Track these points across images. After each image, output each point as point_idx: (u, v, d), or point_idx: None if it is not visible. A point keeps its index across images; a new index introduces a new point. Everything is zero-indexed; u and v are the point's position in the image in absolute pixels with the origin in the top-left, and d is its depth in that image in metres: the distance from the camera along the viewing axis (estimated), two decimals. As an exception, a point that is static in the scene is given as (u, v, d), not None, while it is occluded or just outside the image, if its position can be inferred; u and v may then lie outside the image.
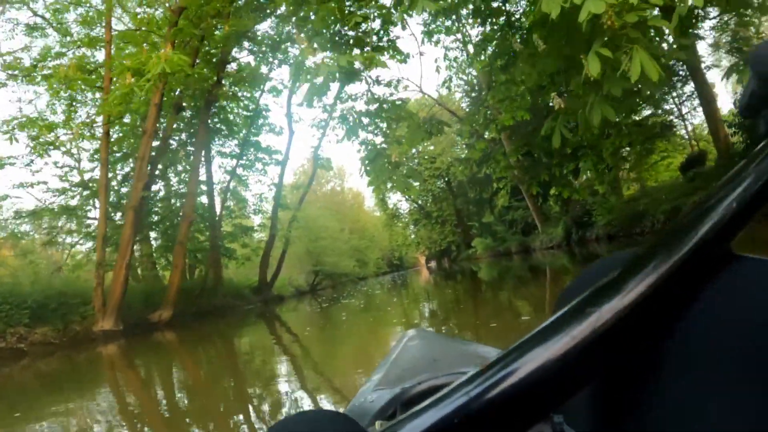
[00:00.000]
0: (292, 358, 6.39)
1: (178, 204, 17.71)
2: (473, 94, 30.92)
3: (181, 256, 13.78)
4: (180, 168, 18.72)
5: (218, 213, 21.02)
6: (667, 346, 0.33)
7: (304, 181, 54.39)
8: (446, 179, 44.84)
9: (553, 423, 0.44)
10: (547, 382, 0.26)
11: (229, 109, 18.16)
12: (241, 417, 3.69)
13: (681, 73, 18.82)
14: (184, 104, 14.26)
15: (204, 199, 19.00)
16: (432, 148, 45.40)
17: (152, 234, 19.23)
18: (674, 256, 0.30)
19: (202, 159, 19.51)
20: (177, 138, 16.96)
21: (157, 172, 15.18)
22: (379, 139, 11.24)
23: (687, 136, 22.66)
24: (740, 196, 0.32)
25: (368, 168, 10.58)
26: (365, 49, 8.95)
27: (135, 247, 17.20)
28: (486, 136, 13.62)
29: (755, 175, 0.32)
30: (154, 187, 17.95)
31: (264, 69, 16.78)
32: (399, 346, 1.21)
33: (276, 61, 16.91)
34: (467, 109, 32.16)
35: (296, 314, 14.40)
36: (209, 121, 17.55)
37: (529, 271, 15.20)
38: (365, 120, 10.98)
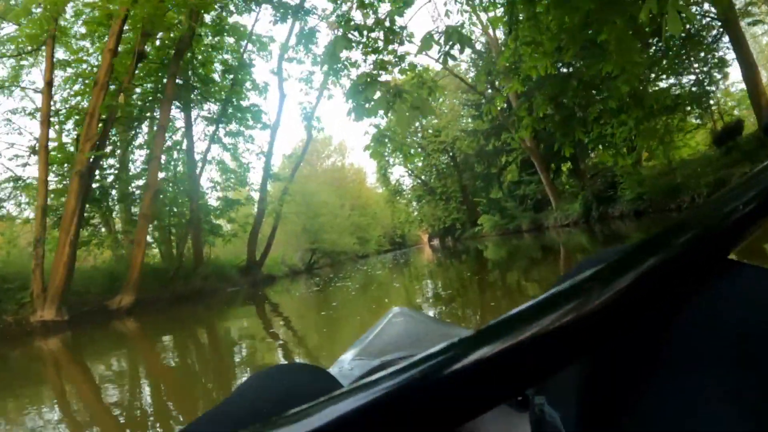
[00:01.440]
0: (270, 352, 5.20)
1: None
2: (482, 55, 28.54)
3: (144, 231, 11.77)
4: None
5: (202, 185, 19.06)
6: (654, 342, 0.33)
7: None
8: (451, 154, 42.72)
9: (534, 404, 0.44)
10: (518, 359, 0.26)
11: (204, 63, 15.96)
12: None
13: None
14: (147, 50, 12.10)
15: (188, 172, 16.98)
16: (436, 121, 43.35)
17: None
18: (669, 255, 0.30)
19: (174, 121, 17.47)
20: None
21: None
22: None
23: (708, 110, 20.41)
24: (748, 204, 0.31)
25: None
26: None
27: (99, 222, 15.34)
28: (503, 93, 11.49)
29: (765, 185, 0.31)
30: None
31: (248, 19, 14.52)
32: (383, 321, 1.25)
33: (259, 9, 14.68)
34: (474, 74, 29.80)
35: (285, 297, 12.53)
36: (189, 78, 15.46)
37: (542, 251, 13.75)
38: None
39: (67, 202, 9.98)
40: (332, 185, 46.35)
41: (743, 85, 19.34)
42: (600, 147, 8.61)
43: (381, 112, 11.45)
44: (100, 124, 10.21)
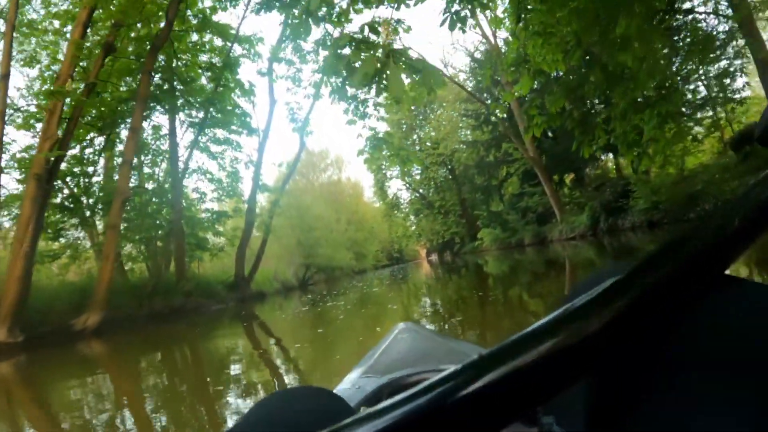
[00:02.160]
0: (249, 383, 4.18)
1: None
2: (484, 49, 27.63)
3: (113, 244, 10.61)
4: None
5: (189, 196, 17.95)
6: (656, 361, 0.33)
7: (299, 166, 51.82)
8: (450, 166, 41.76)
9: (542, 424, 0.45)
10: (525, 381, 0.27)
11: (187, 64, 14.91)
12: None
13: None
14: (116, 44, 11.02)
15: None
16: (434, 134, 42.45)
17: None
18: (669, 272, 0.30)
19: (161, 128, 16.47)
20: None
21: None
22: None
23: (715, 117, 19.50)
24: (744, 219, 0.31)
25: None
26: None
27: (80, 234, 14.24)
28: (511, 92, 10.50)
29: (762, 200, 0.31)
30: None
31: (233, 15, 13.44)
32: (389, 337, 1.25)
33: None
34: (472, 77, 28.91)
35: (271, 317, 11.42)
36: (171, 79, 14.43)
37: (546, 266, 12.91)
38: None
39: (22, 208, 8.86)
40: (328, 199, 45.23)
41: (748, 92, 18.57)
42: (624, 147, 7.61)
43: (373, 115, 10.28)
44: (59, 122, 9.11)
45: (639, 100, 7.99)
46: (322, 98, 12.90)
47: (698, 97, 17.37)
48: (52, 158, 9.14)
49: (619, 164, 25.27)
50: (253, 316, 11.95)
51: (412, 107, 45.06)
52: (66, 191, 13.16)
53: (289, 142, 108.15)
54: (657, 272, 0.30)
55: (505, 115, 27.01)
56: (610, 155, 25.22)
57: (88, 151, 14.34)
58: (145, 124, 17.52)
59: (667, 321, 0.31)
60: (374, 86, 3.84)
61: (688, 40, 13.59)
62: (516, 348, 0.27)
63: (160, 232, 14.96)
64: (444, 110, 42.49)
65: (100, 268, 10.52)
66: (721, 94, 17.62)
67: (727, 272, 0.33)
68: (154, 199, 15.36)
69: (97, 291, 10.23)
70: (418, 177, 46.52)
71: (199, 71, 15.07)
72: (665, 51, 9.73)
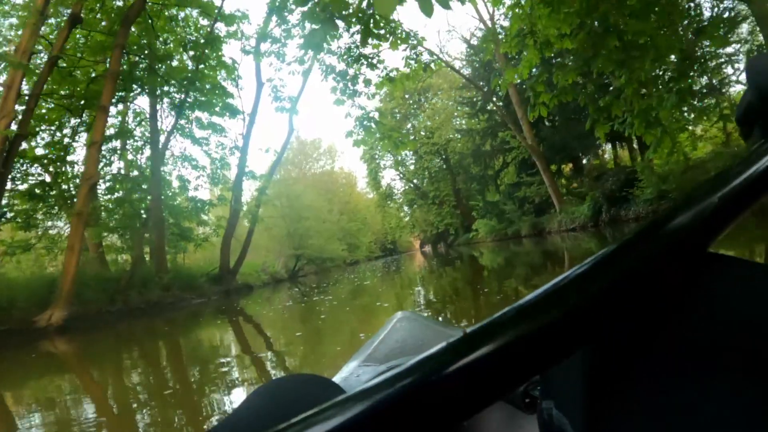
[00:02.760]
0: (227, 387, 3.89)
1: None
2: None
3: (78, 233, 9.71)
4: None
5: (172, 184, 17.04)
6: (650, 345, 0.33)
7: (291, 156, 50.76)
8: (444, 156, 40.91)
9: (542, 409, 0.45)
10: (512, 355, 0.27)
11: (166, 42, 13.89)
12: None
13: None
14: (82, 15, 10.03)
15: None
16: (429, 123, 41.55)
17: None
18: (651, 249, 0.31)
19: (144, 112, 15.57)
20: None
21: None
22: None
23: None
24: (725, 196, 0.31)
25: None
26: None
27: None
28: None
29: (744, 177, 0.32)
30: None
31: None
32: (388, 326, 1.24)
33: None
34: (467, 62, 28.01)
35: (254, 312, 10.68)
36: (150, 56, 13.43)
37: (543, 257, 12.57)
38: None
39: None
40: (321, 188, 44.35)
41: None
42: (642, 127, 6.81)
43: (364, 92, 9.41)
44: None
45: (658, 72, 7.23)
46: (311, 74, 11.95)
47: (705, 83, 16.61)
48: (10, 138, 8.22)
49: (617, 154, 24.55)
50: (233, 312, 11.17)
51: (406, 95, 44.29)
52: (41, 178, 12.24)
53: (278, 127, 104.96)
54: (641, 248, 0.30)
55: (501, 103, 26.24)
56: (608, 146, 24.58)
57: (64, 132, 13.40)
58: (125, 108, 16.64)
59: (654, 299, 0.31)
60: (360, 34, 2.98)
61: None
62: (502, 323, 0.28)
63: (140, 222, 14.01)
64: (439, 99, 41.60)
65: (66, 258, 9.61)
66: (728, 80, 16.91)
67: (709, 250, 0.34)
68: (135, 187, 14.39)
69: (62, 284, 9.36)
70: (412, 167, 45.69)
71: (180, 49, 14.06)
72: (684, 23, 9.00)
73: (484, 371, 0.27)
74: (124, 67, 12.13)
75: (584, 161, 25.30)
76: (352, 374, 0.92)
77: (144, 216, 14.34)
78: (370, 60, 8.56)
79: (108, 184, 14.51)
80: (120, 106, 15.47)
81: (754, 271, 0.33)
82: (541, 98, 7.89)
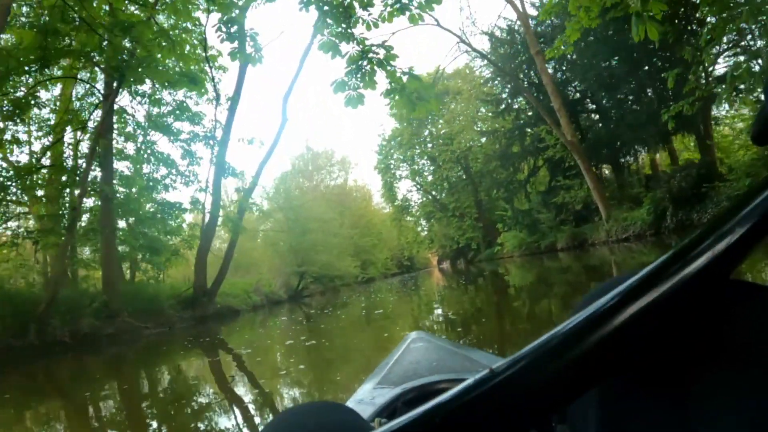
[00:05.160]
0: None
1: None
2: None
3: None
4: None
5: (143, 183, 13.87)
6: (666, 371, 0.34)
7: (302, 166, 47.76)
8: (465, 165, 37.46)
9: None
10: (539, 391, 0.28)
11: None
12: None
13: None
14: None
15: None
16: (445, 131, 38.17)
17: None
18: (675, 280, 0.31)
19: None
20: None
21: None
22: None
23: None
24: (745, 223, 0.31)
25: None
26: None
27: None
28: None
29: (761, 205, 0.32)
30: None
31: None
32: (401, 347, 1.26)
33: None
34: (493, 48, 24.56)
35: (210, 353, 7.55)
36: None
37: (587, 273, 10.41)
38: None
39: None
40: (333, 201, 41.17)
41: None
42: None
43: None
44: None
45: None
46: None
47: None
48: None
49: (673, 150, 20.93)
50: (178, 354, 7.94)
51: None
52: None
53: (270, 119, 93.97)
54: (664, 280, 0.30)
55: (536, 94, 22.86)
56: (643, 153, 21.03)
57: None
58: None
59: (676, 327, 0.31)
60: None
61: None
62: (527, 359, 0.28)
63: (63, 225, 10.82)
64: (457, 104, 38.22)
65: None
66: None
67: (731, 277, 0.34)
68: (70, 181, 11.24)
69: None
70: (429, 177, 42.30)
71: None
72: None
73: (513, 406, 0.27)
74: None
75: (630, 160, 21.71)
76: (367, 397, 0.91)
77: (67, 219, 11.12)
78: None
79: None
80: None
81: None
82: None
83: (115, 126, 12.69)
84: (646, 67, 16.70)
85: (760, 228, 0.30)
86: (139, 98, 13.67)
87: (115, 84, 11.13)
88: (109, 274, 11.60)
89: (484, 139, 31.87)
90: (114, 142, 12.85)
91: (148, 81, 12.78)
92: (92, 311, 10.62)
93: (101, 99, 12.23)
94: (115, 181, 13.07)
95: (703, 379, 0.31)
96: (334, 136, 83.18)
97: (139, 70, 9.36)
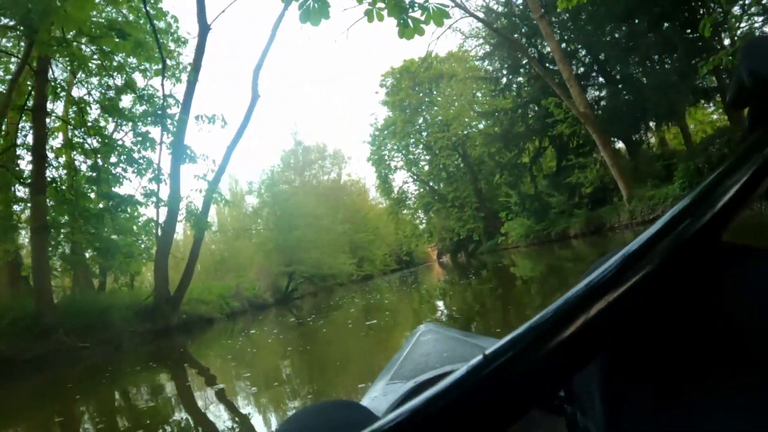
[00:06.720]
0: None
1: None
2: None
3: None
4: None
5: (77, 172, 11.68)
6: (668, 345, 0.34)
7: (292, 161, 45.50)
8: (462, 152, 35.32)
9: (567, 414, 0.48)
10: (538, 369, 0.28)
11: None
12: None
13: None
14: None
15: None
16: (440, 118, 35.97)
17: None
18: (667, 248, 0.31)
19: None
20: None
21: None
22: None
23: None
24: (731, 187, 0.32)
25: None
26: None
27: None
28: None
29: (745, 168, 0.33)
30: None
31: None
32: (411, 341, 1.27)
33: None
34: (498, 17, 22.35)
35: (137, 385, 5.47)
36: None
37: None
38: None
39: None
40: (325, 197, 38.95)
41: None
42: None
43: None
44: None
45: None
46: None
47: None
48: None
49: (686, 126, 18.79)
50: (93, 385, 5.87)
51: (415, 87, 38.85)
52: None
53: (240, 100, 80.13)
54: (658, 246, 0.30)
55: (547, 64, 20.73)
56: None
57: None
58: None
59: (670, 296, 0.32)
60: None
61: None
62: (524, 338, 0.28)
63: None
64: (452, 88, 35.94)
65: None
66: None
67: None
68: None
69: None
70: (426, 167, 40.13)
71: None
72: None
73: (503, 391, 0.27)
74: None
75: (651, 132, 19.59)
76: (381, 393, 0.92)
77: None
78: None
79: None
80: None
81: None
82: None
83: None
84: (667, 24, 14.65)
85: (748, 189, 0.31)
86: (82, 74, 11.56)
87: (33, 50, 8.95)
88: (40, 283, 9.47)
89: (482, 124, 29.69)
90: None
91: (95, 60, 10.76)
92: (15, 329, 8.56)
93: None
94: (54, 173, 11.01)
95: (694, 349, 0.31)
96: (325, 128, 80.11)
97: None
